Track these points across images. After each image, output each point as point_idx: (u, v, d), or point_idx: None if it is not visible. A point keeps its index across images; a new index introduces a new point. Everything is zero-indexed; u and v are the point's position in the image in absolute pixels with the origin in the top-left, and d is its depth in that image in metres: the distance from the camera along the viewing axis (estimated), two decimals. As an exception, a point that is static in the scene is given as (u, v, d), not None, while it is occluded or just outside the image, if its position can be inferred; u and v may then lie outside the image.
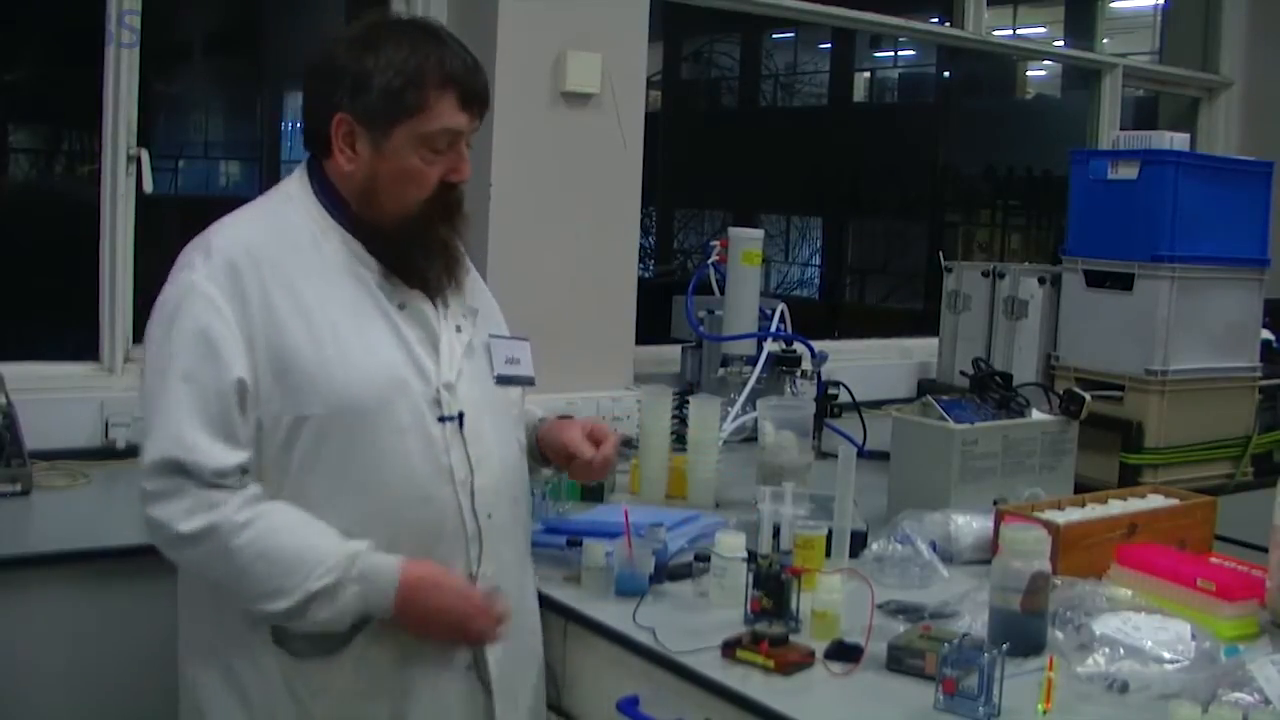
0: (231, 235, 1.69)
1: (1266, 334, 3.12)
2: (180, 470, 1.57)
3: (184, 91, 4.57)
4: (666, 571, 1.99)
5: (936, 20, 4.78)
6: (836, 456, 2.13)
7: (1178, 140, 2.87)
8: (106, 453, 2.59)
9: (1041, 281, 3.16)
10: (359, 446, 1.65)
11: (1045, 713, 1.54)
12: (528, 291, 2.84)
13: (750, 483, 2.46)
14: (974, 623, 1.79)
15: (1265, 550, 1.93)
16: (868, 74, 9.96)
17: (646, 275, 6.50)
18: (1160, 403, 2.76)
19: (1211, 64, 4.92)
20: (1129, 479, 2.69)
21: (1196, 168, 2.87)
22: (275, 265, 1.65)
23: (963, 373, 2.69)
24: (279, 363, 1.62)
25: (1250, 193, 2.95)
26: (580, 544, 2.01)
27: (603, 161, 3.09)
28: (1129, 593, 1.90)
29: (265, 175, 5.38)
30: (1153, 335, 2.77)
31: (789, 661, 1.66)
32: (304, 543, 1.61)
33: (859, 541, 2.13)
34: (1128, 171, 2.84)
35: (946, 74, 8.19)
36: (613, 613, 1.87)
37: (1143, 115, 5.14)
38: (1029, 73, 7.99)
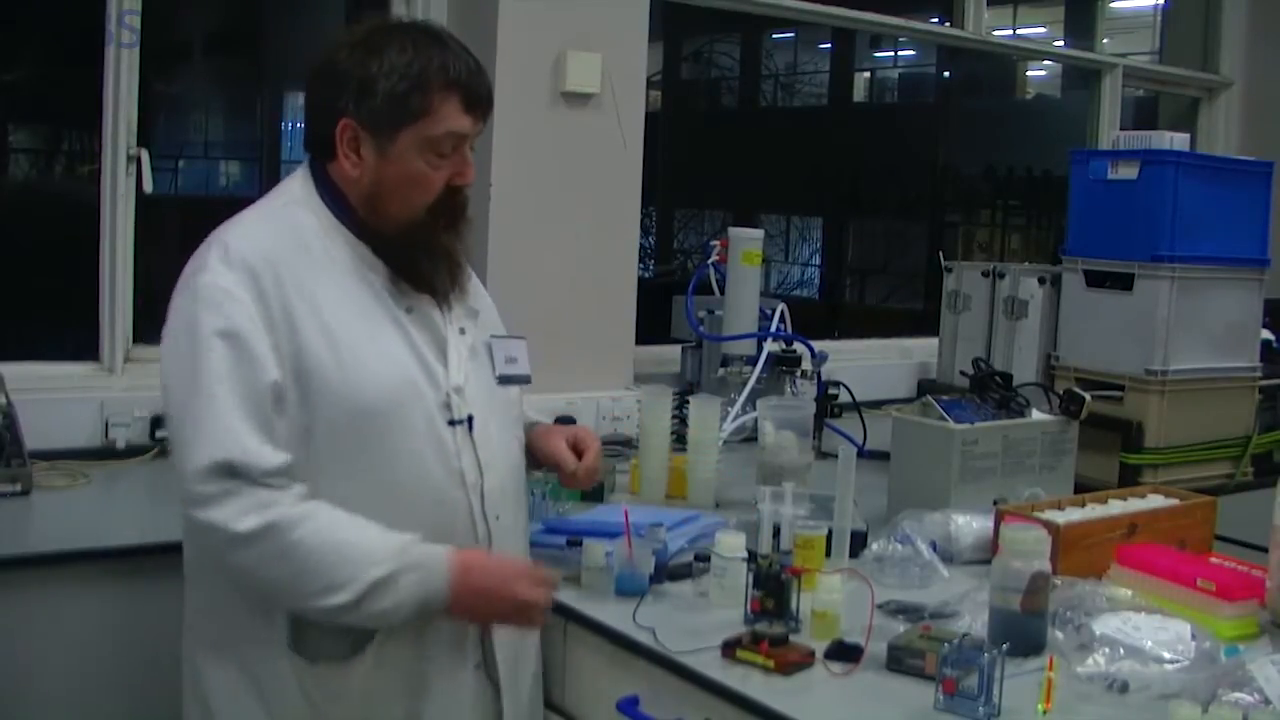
0: (245, 238, 1.66)
1: (1266, 334, 3.11)
2: (232, 472, 1.55)
3: (184, 91, 4.56)
4: (666, 571, 1.98)
5: (936, 20, 4.78)
6: (836, 456, 2.12)
7: (1178, 140, 2.87)
8: (106, 453, 2.60)
9: (1041, 281, 3.16)
10: (373, 450, 1.64)
11: (1045, 713, 1.54)
12: (528, 292, 2.84)
13: (750, 483, 2.46)
14: (974, 623, 1.79)
15: (1265, 550, 1.93)
16: (868, 74, 9.96)
17: (646, 275, 6.51)
18: (1160, 403, 2.76)
19: (1211, 64, 4.92)
20: (1129, 479, 2.69)
21: (1196, 168, 2.87)
22: (289, 268, 1.64)
23: (963, 373, 2.69)
24: (298, 366, 1.61)
25: (1250, 193, 2.94)
26: (580, 544, 2.00)
27: (603, 161, 3.09)
28: (1129, 593, 1.90)
29: (265, 175, 5.36)
30: (1153, 335, 2.77)
31: (789, 661, 1.66)
32: (358, 535, 1.59)
33: (859, 541, 2.13)
34: (1128, 171, 2.83)
35: (946, 74, 8.19)
36: (613, 613, 1.87)
37: (1143, 115, 5.14)
38: (1029, 73, 8.00)
